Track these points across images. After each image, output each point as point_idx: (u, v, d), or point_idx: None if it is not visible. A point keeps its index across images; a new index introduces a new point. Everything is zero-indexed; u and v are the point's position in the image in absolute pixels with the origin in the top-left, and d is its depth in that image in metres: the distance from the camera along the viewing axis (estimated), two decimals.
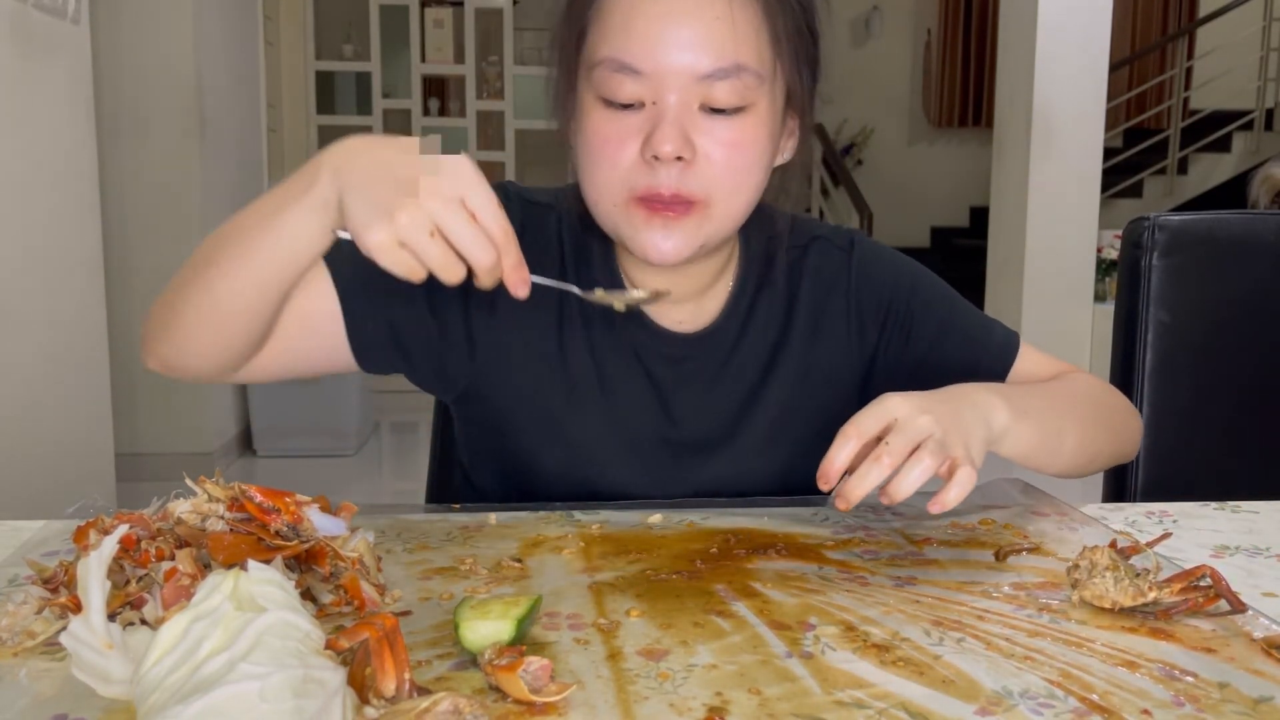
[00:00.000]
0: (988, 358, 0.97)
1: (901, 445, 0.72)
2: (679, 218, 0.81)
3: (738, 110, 0.80)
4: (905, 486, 0.71)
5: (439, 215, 0.67)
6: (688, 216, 0.82)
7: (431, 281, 0.86)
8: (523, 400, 0.93)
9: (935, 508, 0.72)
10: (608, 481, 0.94)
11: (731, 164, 0.81)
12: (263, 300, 0.78)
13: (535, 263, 0.89)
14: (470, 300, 0.90)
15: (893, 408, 0.74)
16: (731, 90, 0.79)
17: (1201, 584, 0.67)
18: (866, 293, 0.97)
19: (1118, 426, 0.97)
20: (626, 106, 0.80)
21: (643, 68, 0.78)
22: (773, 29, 0.81)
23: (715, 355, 0.95)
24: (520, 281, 0.72)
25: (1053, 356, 1.00)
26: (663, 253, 0.82)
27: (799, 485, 0.96)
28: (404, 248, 0.67)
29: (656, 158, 0.79)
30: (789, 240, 0.97)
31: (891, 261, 1.00)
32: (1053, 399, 0.91)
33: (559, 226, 0.94)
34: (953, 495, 0.72)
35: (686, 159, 0.80)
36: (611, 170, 0.81)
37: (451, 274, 0.68)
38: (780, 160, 0.89)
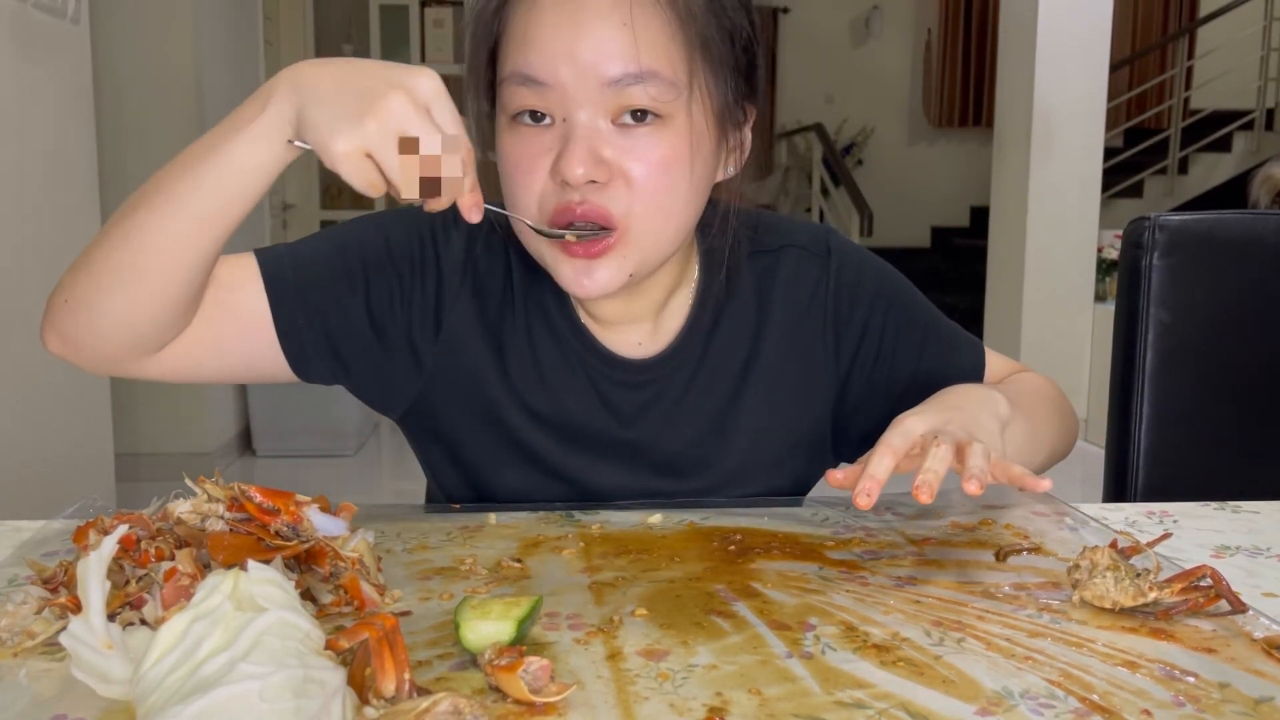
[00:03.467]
0: (966, 365, 0.97)
1: (949, 445, 0.70)
2: (598, 254, 0.77)
3: (654, 122, 0.75)
4: (938, 473, 0.69)
5: (407, 123, 0.65)
6: (610, 252, 0.77)
7: (368, 287, 0.85)
8: (474, 420, 0.90)
9: (971, 485, 0.69)
10: (577, 494, 0.91)
11: (651, 183, 0.76)
12: (196, 248, 0.72)
13: (480, 277, 0.88)
14: (412, 314, 0.87)
15: (914, 425, 0.73)
16: (643, 98, 0.74)
17: (1202, 584, 0.67)
18: (844, 306, 0.93)
19: (1070, 425, 0.99)
20: (538, 121, 0.76)
21: (546, 78, 0.74)
22: (687, 37, 0.76)
23: (678, 377, 0.90)
24: (475, 205, 0.69)
25: (1004, 356, 1.02)
26: (587, 289, 0.78)
27: (779, 487, 0.95)
28: (369, 158, 0.65)
29: (567, 182, 0.74)
30: (757, 244, 0.92)
31: (870, 271, 0.96)
32: (1027, 397, 0.91)
33: (506, 245, 0.90)
34: (977, 463, 0.69)
35: (600, 181, 0.75)
36: (526, 194, 0.77)
37: (411, 187, 0.66)
38: (721, 176, 0.84)
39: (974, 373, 0.96)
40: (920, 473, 0.69)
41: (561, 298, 0.89)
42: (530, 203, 0.77)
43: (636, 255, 0.78)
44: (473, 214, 0.70)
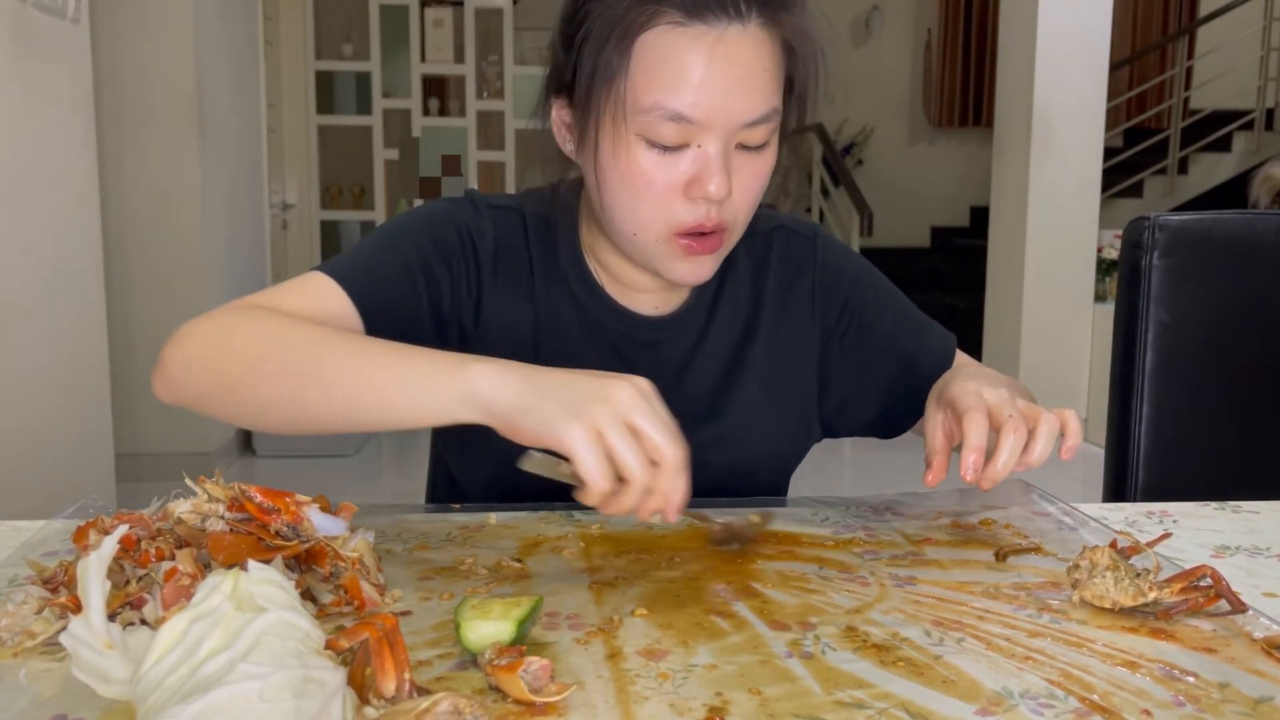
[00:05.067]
0: (936, 347, 1.03)
1: (1019, 417, 0.76)
2: (712, 250, 0.87)
3: (762, 147, 0.85)
4: (1043, 449, 0.76)
5: (632, 414, 0.66)
6: (717, 249, 0.88)
7: (427, 284, 0.90)
8: None
9: (1068, 454, 0.78)
10: None
11: (751, 195, 0.87)
12: (359, 426, 0.76)
13: (506, 260, 0.96)
14: (461, 302, 0.93)
15: (984, 394, 0.79)
16: (764, 133, 0.84)
17: (1202, 584, 0.67)
18: (830, 280, 1.03)
19: None
20: (669, 149, 0.83)
21: (695, 117, 0.81)
22: (785, 74, 0.85)
23: (687, 338, 0.99)
24: (676, 509, 0.69)
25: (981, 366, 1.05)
26: (697, 278, 0.89)
27: (778, 460, 1.02)
28: (601, 440, 0.65)
29: (704, 198, 0.83)
30: (751, 228, 0.98)
31: (851, 256, 1.07)
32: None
33: (524, 228, 0.97)
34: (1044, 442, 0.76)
35: (730, 195, 0.84)
36: (658, 208, 0.85)
37: (638, 472, 0.66)
38: None
39: (944, 355, 1.03)
40: (993, 460, 0.75)
41: (580, 270, 0.96)
42: (658, 216, 0.85)
43: (727, 250, 0.90)
44: (671, 515, 0.69)
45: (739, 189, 0.85)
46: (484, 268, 0.94)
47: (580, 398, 0.67)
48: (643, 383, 0.69)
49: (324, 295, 0.86)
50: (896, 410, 1.02)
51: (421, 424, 0.73)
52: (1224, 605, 0.66)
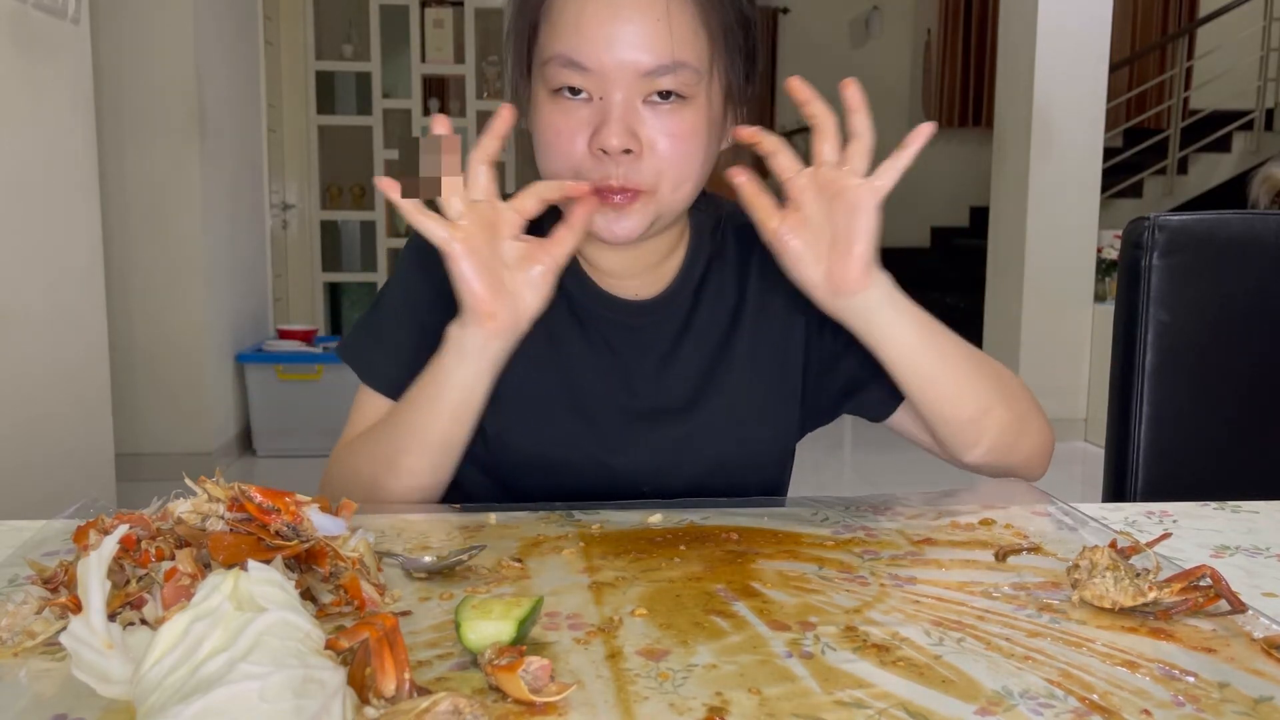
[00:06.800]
0: None
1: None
2: (628, 203, 0.88)
3: (678, 101, 0.87)
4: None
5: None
6: (636, 201, 0.88)
7: (429, 319, 0.95)
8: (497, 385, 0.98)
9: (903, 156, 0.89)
10: (580, 454, 0.97)
11: (675, 153, 0.87)
12: (448, 439, 0.92)
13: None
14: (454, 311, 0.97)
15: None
16: (672, 84, 0.86)
17: (1201, 584, 0.67)
18: None
19: (1020, 412, 0.97)
20: (575, 96, 0.86)
21: (590, 65, 0.85)
22: (709, 27, 0.87)
23: (672, 322, 1.00)
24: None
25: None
26: (616, 234, 0.89)
27: (765, 453, 1.02)
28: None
29: (604, 151, 0.85)
30: (739, 219, 1.02)
31: None
32: (953, 339, 0.94)
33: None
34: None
35: (634, 151, 0.86)
36: (564, 160, 0.88)
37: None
38: (724, 146, 0.95)
39: None
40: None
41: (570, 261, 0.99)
42: (567, 170, 0.88)
43: (659, 207, 0.90)
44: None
45: (654, 146, 0.86)
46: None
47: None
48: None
49: (368, 400, 1.00)
50: (881, 391, 0.99)
51: (472, 403, 0.90)
52: (1224, 605, 0.66)
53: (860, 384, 1.01)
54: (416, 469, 0.92)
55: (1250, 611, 0.66)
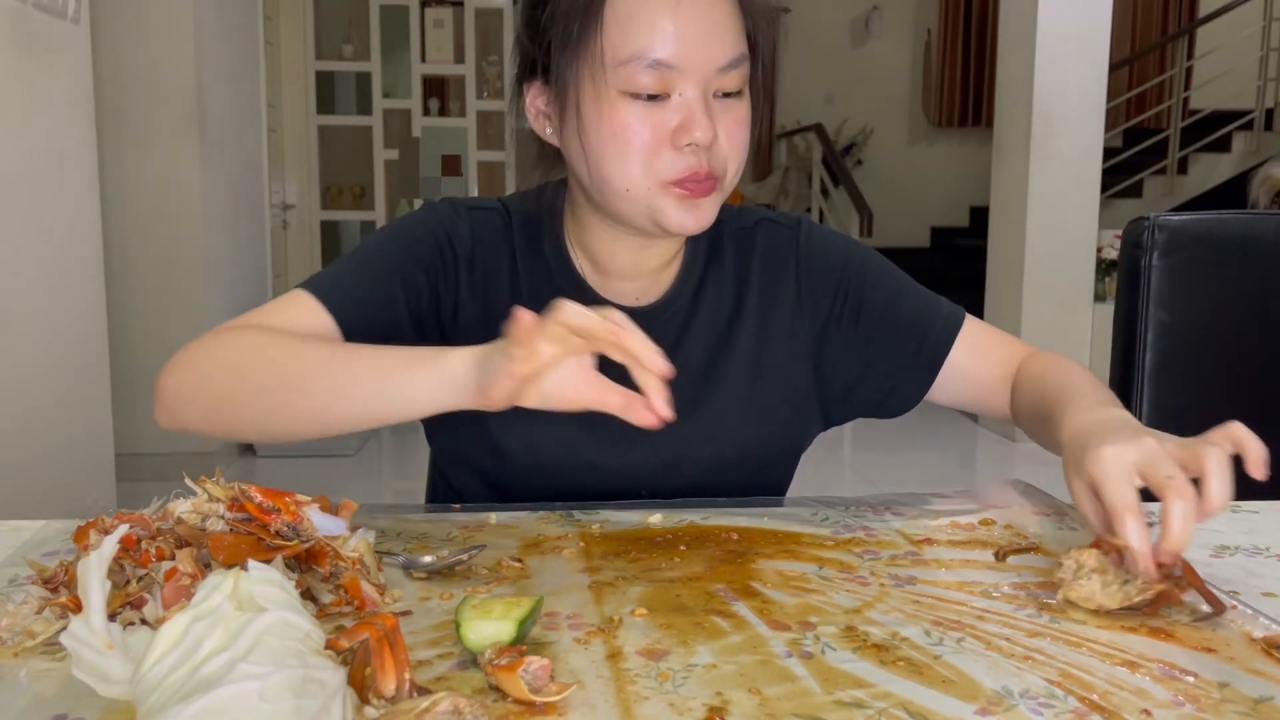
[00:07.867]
0: (935, 329, 1.02)
1: (1179, 474, 0.69)
2: (710, 191, 0.90)
3: (738, 95, 0.89)
4: (1220, 491, 0.69)
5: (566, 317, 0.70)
6: (715, 190, 0.90)
7: (404, 288, 0.93)
8: None
9: (1260, 470, 0.72)
10: (577, 458, 0.96)
11: (736, 141, 0.90)
12: (350, 425, 0.80)
13: (487, 258, 0.99)
14: (440, 304, 0.96)
15: (1125, 456, 0.71)
16: (737, 78, 0.89)
17: (1175, 574, 0.67)
18: (816, 268, 1.03)
19: None
20: (652, 99, 0.86)
21: (675, 63, 0.85)
22: (745, 26, 0.90)
23: (670, 328, 0.99)
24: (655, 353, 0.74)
25: (1006, 334, 1.04)
26: (698, 222, 0.90)
27: (766, 454, 1.02)
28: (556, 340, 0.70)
29: (690, 145, 0.87)
30: (736, 223, 1.04)
31: (838, 240, 1.07)
32: (1100, 387, 0.90)
33: (507, 226, 1.00)
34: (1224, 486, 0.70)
35: (716, 141, 0.88)
36: (648, 160, 0.87)
37: (597, 327, 0.71)
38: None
39: (952, 320, 1.02)
40: (1165, 539, 0.67)
41: (564, 263, 0.99)
42: (649, 166, 0.87)
43: (721, 196, 0.92)
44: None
45: (724, 136, 0.88)
46: (461, 267, 0.97)
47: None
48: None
49: (305, 311, 0.89)
50: (904, 389, 1.02)
51: (408, 415, 0.77)
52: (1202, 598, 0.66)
53: (883, 402, 1.03)
54: (288, 416, 0.80)
55: (1228, 609, 0.66)
